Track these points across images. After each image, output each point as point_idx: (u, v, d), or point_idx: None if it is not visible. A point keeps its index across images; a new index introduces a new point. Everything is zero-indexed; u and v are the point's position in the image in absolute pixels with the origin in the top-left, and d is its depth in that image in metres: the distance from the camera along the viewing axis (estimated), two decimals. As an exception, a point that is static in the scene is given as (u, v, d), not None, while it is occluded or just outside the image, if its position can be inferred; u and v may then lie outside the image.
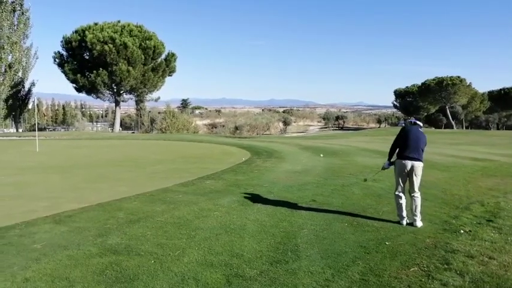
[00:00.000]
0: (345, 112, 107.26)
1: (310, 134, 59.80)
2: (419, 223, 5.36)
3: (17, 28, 37.82)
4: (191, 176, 9.61)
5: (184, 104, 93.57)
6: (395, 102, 77.49)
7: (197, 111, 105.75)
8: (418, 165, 5.40)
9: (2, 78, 37.05)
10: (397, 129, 6.12)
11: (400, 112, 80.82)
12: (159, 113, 56.01)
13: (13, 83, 38.29)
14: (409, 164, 5.38)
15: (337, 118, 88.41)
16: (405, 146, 5.46)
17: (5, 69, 37.32)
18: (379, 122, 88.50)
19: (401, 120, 76.41)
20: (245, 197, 7.07)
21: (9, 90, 38.07)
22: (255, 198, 6.98)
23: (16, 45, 37.56)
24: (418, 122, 5.73)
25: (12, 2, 37.21)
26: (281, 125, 70.11)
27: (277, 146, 18.78)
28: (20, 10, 37.93)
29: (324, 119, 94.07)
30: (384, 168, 5.90)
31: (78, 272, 3.64)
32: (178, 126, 44.66)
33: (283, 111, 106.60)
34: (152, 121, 53.11)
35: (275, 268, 3.85)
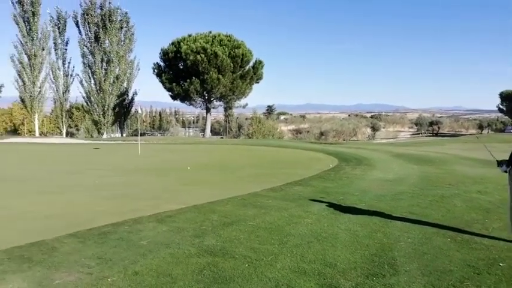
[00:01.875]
0: (439, 117, 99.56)
1: (401, 140, 56.60)
2: (539, 243, 4.70)
3: (124, 43, 42.09)
4: (279, 181, 9.70)
5: (270, 110, 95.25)
6: (501, 106, 69.92)
7: (282, 117, 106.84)
8: None
9: (110, 88, 41.52)
10: (504, 136, 5.44)
11: (506, 116, 72.54)
12: (246, 119, 57.80)
13: (119, 92, 42.64)
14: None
15: (431, 124, 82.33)
16: None
17: (113, 80, 41.75)
18: (480, 127, 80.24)
19: (509, 126, 68.40)
20: (335, 205, 6.91)
21: (116, 99, 42.47)
22: (345, 207, 6.79)
23: (122, 59, 41.82)
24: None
25: (120, 20, 41.55)
26: (369, 130, 67.55)
27: (366, 153, 18.11)
28: (126, 27, 42.19)
29: (416, 124, 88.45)
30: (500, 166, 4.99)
31: (179, 270, 3.87)
32: (264, 131, 45.62)
33: (371, 117, 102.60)
34: (239, 127, 54.99)
35: (371, 281, 3.68)
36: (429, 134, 76.11)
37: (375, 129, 67.96)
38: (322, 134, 54.21)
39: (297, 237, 5.01)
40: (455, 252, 4.48)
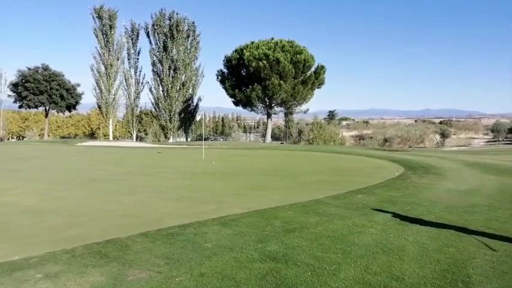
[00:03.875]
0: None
1: (474, 148, 52.64)
2: None
3: (190, 51, 43.98)
4: (341, 188, 9.50)
5: (331, 115, 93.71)
6: None
7: (344, 123, 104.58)
8: None
9: (177, 95, 43.56)
10: None
11: None
12: (306, 124, 57.43)
13: (185, 98, 44.56)
14: None
15: (511, 130, 75.51)
16: None
17: (179, 87, 43.75)
18: None
19: None
20: (401, 216, 6.61)
21: (182, 105, 44.42)
22: (412, 218, 6.46)
23: (188, 66, 43.68)
24: None
25: (187, 30, 43.51)
26: (437, 137, 63.71)
27: (434, 161, 17.11)
28: (192, 36, 44.06)
29: (492, 131, 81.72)
30: None
31: (242, 274, 3.95)
32: (325, 137, 44.95)
33: (440, 122, 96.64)
34: (300, 132, 54.74)
35: (443, 299, 3.47)
36: (508, 142, 69.83)
37: (444, 135, 63.92)
38: (386, 140, 52.18)
39: (361, 248, 4.87)
40: (541, 274, 4.08)
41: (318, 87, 43.81)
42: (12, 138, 58.82)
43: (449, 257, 4.57)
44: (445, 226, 5.92)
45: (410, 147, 48.79)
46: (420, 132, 58.68)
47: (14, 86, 46.54)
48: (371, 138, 55.84)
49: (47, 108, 49.58)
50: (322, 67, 43.22)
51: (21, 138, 61.29)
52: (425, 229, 5.75)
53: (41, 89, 46.29)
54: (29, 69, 46.91)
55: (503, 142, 69.52)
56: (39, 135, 56.38)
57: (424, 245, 4.98)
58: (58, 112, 53.59)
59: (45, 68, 47.81)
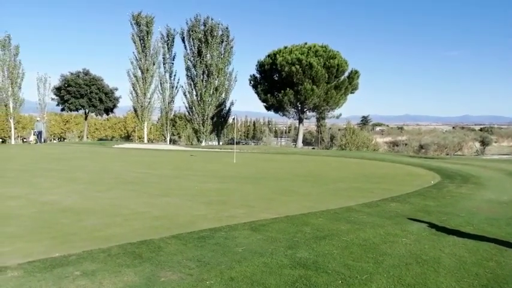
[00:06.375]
0: None
1: (517, 156, 50.01)
2: None
3: (223, 56, 44.57)
4: (374, 196, 9.31)
5: (365, 120, 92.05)
6: None
7: (378, 128, 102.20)
8: None
9: (210, 99, 44.20)
10: None
11: None
12: (339, 129, 56.57)
13: (218, 103, 45.12)
14: None
15: (557, 138, 71.31)
16: None
17: (213, 91, 44.38)
18: None
19: None
20: (437, 226, 6.39)
21: (215, 109, 45.00)
22: (449, 229, 6.23)
23: (221, 71, 44.26)
24: None
25: (221, 35, 44.14)
26: (477, 145, 60.99)
27: (473, 170, 16.41)
28: (226, 41, 44.66)
29: (537, 138, 77.42)
30: None
31: (272, 280, 3.95)
32: (358, 143, 44.15)
33: (481, 129, 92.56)
34: (332, 137, 54.03)
35: (481, 316, 3.33)
36: (554, 151, 65.94)
37: (484, 143, 61.06)
38: (421, 147, 50.45)
39: (394, 258, 4.75)
40: None
41: (351, 92, 43.14)
42: (54, 139, 61.61)
43: (489, 271, 4.37)
44: (484, 239, 5.67)
45: (447, 154, 47.03)
46: (458, 140, 56.43)
47: (57, 90, 48.82)
48: (405, 144, 54.21)
49: (87, 111, 51.63)
50: (356, 72, 42.55)
51: (62, 139, 64.11)
52: (463, 241, 5.53)
53: (81, 93, 48.31)
54: (71, 74, 49.08)
55: (549, 151, 65.65)
56: (79, 136, 58.73)
57: (462, 258, 4.79)
58: (96, 115, 55.68)
59: (86, 73, 49.88)
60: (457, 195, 9.78)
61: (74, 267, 4.16)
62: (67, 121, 67.19)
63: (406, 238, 5.64)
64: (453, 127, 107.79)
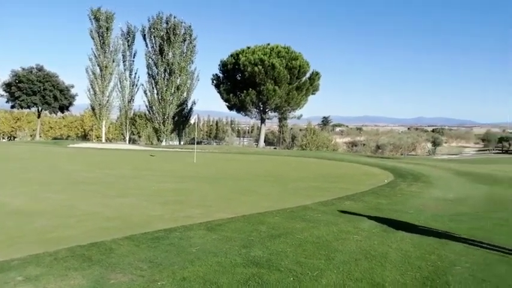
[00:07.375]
0: (510, 132, 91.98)
1: (464, 157, 53.11)
2: None
3: (185, 55, 44.03)
4: (331, 195, 9.55)
5: (325, 121, 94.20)
6: None
7: (338, 129, 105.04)
8: None
9: (171, 98, 43.53)
10: None
11: None
12: (300, 130, 57.59)
13: (179, 102, 44.52)
14: None
15: (501, 140, 76.28)
16: None
17: (174, 90, 43.73)
18: (559, 145, 72.93)
19: None
20: (387, 223, 6.67)
21: (176, 109, 44.37)
22: (398, 225, 6.52)
23: (184, 70, 43.70)
24: None
25: (184, 33, 43.59)
26: (429, 145, 64.19)
27: (424, 169, 17.25)
28: (189, 40, 44.14)
29: (483, 140, 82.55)
30: None
31: (225, 279, 3.96)
32: (318, 143, 45.14)
33: (433, 131, 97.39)
34: (293, 138, 54.88)
35: (421, 306, 3.52)
36: (498, 151, 70.58)
37: (435, 144, 64.38)
38: (378, 147, 52.45)
39: (345, 254, 4.91)
40: (518, 282, 4.14)
41: (312, 93, 44.04)
42: (3, 138, 58.30)
43: (431, 264, 4.62)
44: (429, 234, 5.98)
45: (402, 154, 49.11)
46: (412, 140, 59.13)
47: (7, 86, 46.18)
48: (364, 145, 56.11)
49: (40, 108, 49.22)
50: (317, 73, 43.49)
51: (12, 138, 60.78)
52: (410, 236, 5.81)
53: (34, 90, 45.97)
54: (23, 69, 46.61)
55: (493, 151, 70.23)
56: (31, 135, 55.97)
57: (407, 252, 5.03)
58: (51, 113, 53.21)
59: (40, 69, 47.54)
60: (407, 194, 10.25)
61: (17, 272, 3.97)
62: (18, 119, 63.85)
63: (357, 235, 5.84)
64: (408, 128, 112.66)
